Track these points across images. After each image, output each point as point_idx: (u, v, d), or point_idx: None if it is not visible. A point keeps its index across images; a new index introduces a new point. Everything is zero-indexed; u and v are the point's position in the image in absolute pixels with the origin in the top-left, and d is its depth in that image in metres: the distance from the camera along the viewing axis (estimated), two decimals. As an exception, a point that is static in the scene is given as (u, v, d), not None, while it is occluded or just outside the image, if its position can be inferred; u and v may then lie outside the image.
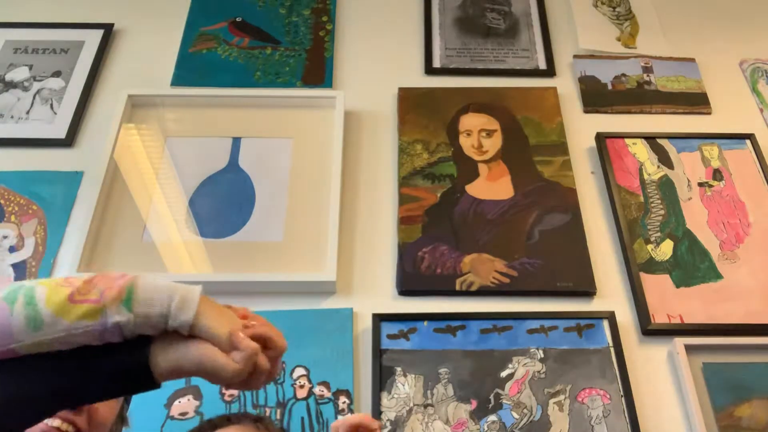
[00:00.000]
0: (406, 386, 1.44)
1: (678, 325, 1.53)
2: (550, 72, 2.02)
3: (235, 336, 0.80)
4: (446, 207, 1.71)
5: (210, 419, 1.14)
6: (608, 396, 1.42)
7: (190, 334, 0.79)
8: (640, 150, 1.82)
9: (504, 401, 1.42)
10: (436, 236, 1.66)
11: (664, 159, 1.81)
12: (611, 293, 1.60)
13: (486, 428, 1.39)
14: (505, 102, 1.92)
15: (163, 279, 0.80)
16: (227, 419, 1.12)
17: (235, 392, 1.42)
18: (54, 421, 1.00)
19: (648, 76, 2.00)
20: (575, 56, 2.06)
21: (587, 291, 1.58)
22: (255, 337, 0.82)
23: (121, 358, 0.78)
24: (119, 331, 0.76)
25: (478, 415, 1.41)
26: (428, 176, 1.77)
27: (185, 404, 1.41)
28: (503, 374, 1.46)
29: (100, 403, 1.05)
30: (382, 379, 1.44)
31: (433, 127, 1.86)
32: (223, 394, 1.42)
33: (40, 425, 0.99)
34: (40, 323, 0.75)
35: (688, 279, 1.60)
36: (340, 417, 1.40)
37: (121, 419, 1.15)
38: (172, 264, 1.61)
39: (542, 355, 1.48)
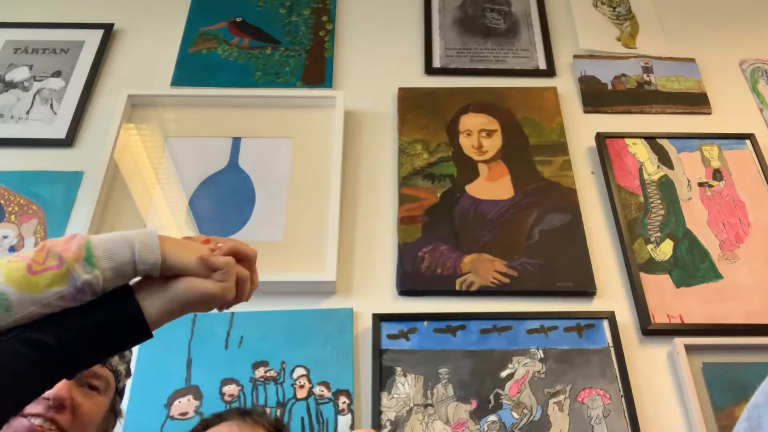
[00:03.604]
0: (406, 386, 1.44)
1: (678, 325, 1.53)
2: (550, 72, 2.02)
3: (206, 259, 0.82)
4: (446, 207, 1.71)
5: (204, 418, 1.15)
6: (608, 396, 1.42)
7: (162, 274, 0.81)
8: (640, 150, 1.82)
9: (504, 401, 1.42)
10: (436, 236, 1.66)
11: (664, 159, 1.81)
12: (611, 293, 1.60)
13: (486, 428, 1.39)
14: (505, 102, 1.92)
15: (112, 233, 0.81)
16: (218, 416, 1.13)
17: (234, 392, 1.42)
18: (36, 420, 1.00)
19: (648, 76, 2.00)
20: (575, 56, 2.06)
21: (587, 291, 1.58)
22: (225, 255, 0.85)
23: (112, 316, 0.79)
24: (91, 288, 0.78)
25: (478, 415, 1.41)
26: (428, 176, 1.77)
27: (185, 404, 1.41)
28: (503, 374, 1.46)
29: (85, 400, 1.05)
30: (382, 379, 1.44)
31: (433, 127, 1.86)
32: (223, 394, 1.42)
33: (22, 423, 0.99)
34: (8, 305, 0.76)
35: (688, 279, 1.60)
36: (340, 417, 1.40)
37: (114, 413, 1.14)
38: (172, 264, 1.61)
39: (542, 355, 1.48)
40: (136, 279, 0.83)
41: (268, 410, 1.39)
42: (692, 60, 2.04)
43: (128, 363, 1.17)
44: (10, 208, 1.69)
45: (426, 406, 1.42)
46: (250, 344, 1.48)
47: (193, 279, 0.81)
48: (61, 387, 1.01)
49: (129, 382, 1.27)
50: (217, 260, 0.83)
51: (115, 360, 1.11)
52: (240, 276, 0.85)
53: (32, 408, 1.00)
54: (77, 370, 0.82)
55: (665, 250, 1.64)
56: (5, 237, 1.65)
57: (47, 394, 1.00)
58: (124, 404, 1.37)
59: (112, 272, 0.79)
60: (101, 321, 0.79)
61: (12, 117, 1.88)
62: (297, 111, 1.89)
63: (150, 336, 0.82)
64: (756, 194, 1.75)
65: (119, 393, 1.15)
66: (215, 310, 0.86)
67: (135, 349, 1.46)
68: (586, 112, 1.94)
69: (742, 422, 0.75)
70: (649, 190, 1.75)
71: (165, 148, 1.81)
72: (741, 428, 0.75)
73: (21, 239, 1.64)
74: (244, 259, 0.87)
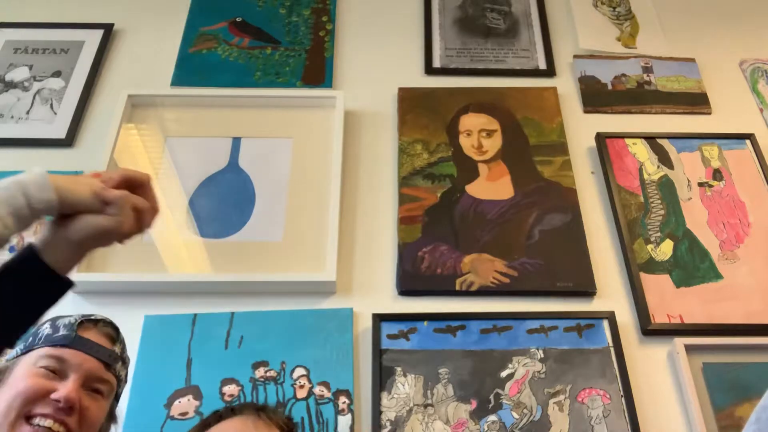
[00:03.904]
0: (406, 386, 1.44)
1: (678, 325, 1.53)
2: (550, 72, 2.02)
3: (99, 193, 0.83)
4: (446, 207, 1.71)
5: (216, 411, 1.14)
6: (608, 396, 1.42)
7: (61, 212, 0.82)
8: (640, 150, 1.82)
9: (504, 401, 1.42)
10: (436, 236, 1.66)
11: (664, 159, 1.81)
12: (611, 293, 1.60)
13: (486, 428, 1.39)
14: (505, 102, 1.92)
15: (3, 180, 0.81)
16: (231, 410, 1.13)
17: (234, 392, 1.42)
18: (46, 421, 1.00)
19: (648, 76, 2.00)
20: (575, 56, 2.06)
21: (587, 291, 1.58)
22: (118, 186, 0.85)
23: (29, 287, 0.81)
24: None
25: (478, 415, 1.41)
26: (428, 176, 1.77)
27: (185, 404, 1.41)
28: (503, 374, 1.46)
29: (91, 403, 1.06)
30: (382, 379, 1.44)
31: (433, 127, 1.86)
32: (223, 394, 1.42)
33: (29, 427, 0.99)
34: None
35: (688, 279, 1.60)
36: (340, 417, 1.40)
37: (111, 417, 1.15)
38: (172, 264, 1.61)
39: (542, 355, 1.48)
40: (40, 235, 0.84)
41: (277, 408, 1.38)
42: (692, 60, 2.04)
43: (127, 369, 1.18)
44: (10, 208, 1.69)
45: (426, 406, 1.42)
46: (250, 344, 1.48)
47: (87, 216, 0.82)
48: (70, 390, 1.02)
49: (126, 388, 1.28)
50: (109, 193, 0.83)
51: (118, 366, 1.12)
52: (137, 206, 0.85)
53: (42, 408, 1.01)
54: (17, 339, 0.86)
55: (665, 250, 1.64)
56: (5, 237, 1.64)
57: (57, 395, 1.01)
58: (124, 405, 1.38)
59: (13, 218, 0.79)
60: (21, 295, 0.81)
61: (12, 117, 1.88)
62: (297, 111, 1.89)
63: (71, 284, 0.84)
64: (756, 194, 1.75)
65: (116, 398, 1.16)
66: (118, 244, 0.87)
67: (135, 350, 1.46)
68: (586, 112, 1.94)
69: (751, 424, 0.75)
70: (649, 190, 1.75)
71: (165, 148, 1.81)
72: (750, 430, 0.75)
73: (21, 239, 1.64)
74: (138, 185, 0.87)
